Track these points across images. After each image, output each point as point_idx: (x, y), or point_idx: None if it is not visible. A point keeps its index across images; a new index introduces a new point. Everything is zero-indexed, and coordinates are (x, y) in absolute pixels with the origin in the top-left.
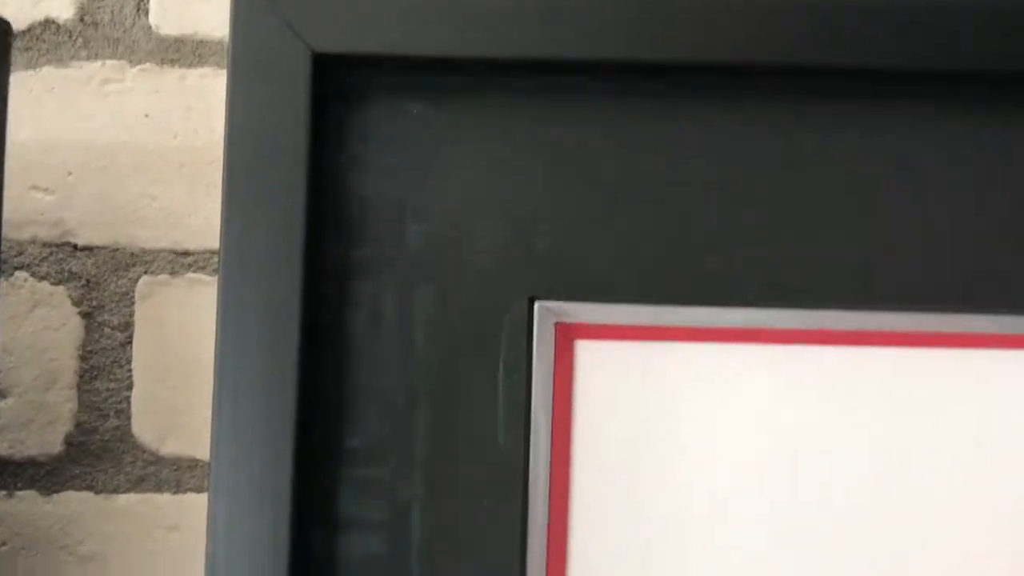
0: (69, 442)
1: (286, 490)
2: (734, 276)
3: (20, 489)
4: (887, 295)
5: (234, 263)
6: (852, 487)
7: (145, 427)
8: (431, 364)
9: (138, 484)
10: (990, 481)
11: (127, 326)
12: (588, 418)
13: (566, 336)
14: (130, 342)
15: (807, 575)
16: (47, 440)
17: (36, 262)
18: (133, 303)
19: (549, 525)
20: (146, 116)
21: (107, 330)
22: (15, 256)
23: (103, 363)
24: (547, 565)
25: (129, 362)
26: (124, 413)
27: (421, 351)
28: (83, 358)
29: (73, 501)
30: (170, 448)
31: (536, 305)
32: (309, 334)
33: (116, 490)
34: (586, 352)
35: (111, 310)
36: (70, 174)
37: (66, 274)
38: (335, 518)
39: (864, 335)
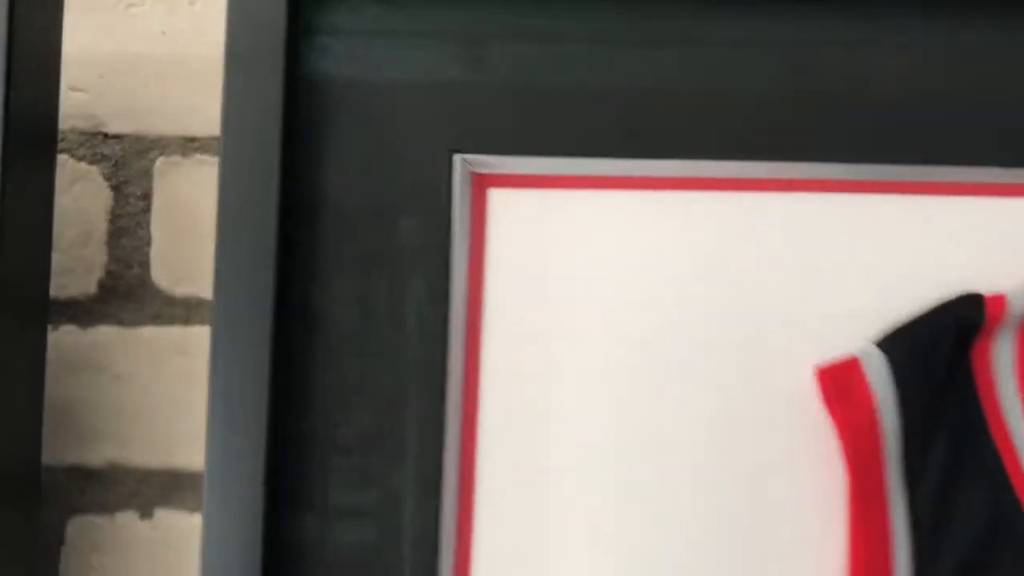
0: (101, 286)
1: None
2: (635, 130)
3: (64, 324)
4: (768, 147)
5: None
6: (741, 324)
7: (161, 275)
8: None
9: (155, 319)
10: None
11: (146, 196)
12: (499, 256)
13: (480, 185)
14: (149, 209)
15: (699, 395)
16: (84, 285)
17: (75, 147)
18: (152, 179)
19: (466, 342)
20: (163, 33)
21: (131, 200)
22: (59, 143)
23: (128, 225)
24: (464, 381)
25: (148, 224)
26: (144, 264)
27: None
28: (112, 221)
29: (104, 333)
30: (181, 291)
31: (456, 158)
32: None
33: (138, 324)
34: (498, 199)
35: (134, 184)
36: (101, 77)
37: (98, 156)
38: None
39: (755, 183)
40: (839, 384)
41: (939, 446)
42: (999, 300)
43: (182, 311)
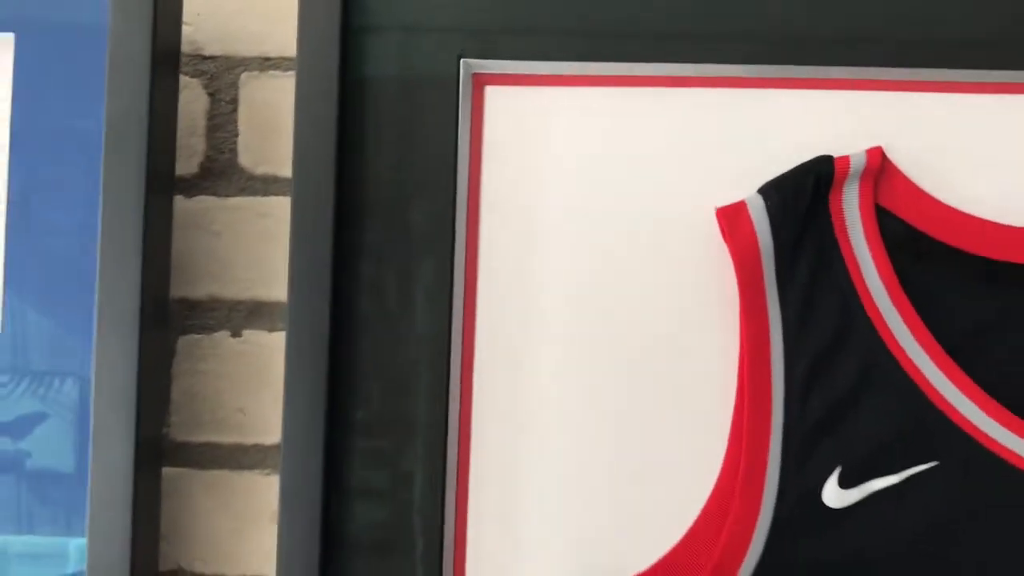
0: (201, 167)
1: None
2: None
3: (176, 195)
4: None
5: None
6: (690, 196)
7: (245, 158)
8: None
9: (241, 191)
10: None
11: (234, 101)
12: (495, 142)
13: (479, 83)
14: (236, 111)
15: (652, 250)
16: (189, 166)
17: (182, 66)
18: (237, 88)
19: (467, 221)
20: None
21: (222, 104)
22: None
23: (220, 122)
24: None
25: (236, 122)
26: (233, 151)
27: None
28: (209, 120)
29: (204, 201)
30: (260, 170)
31: (461, 62)
32: None
33: (229, 195)
34: (495, 95)
35: (224, 92)
36: (199, 15)
37: (199, 72)
38: None
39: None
40: (731, 220)
41: (802, 264)
42: (845, 160)
43: (261, 185)
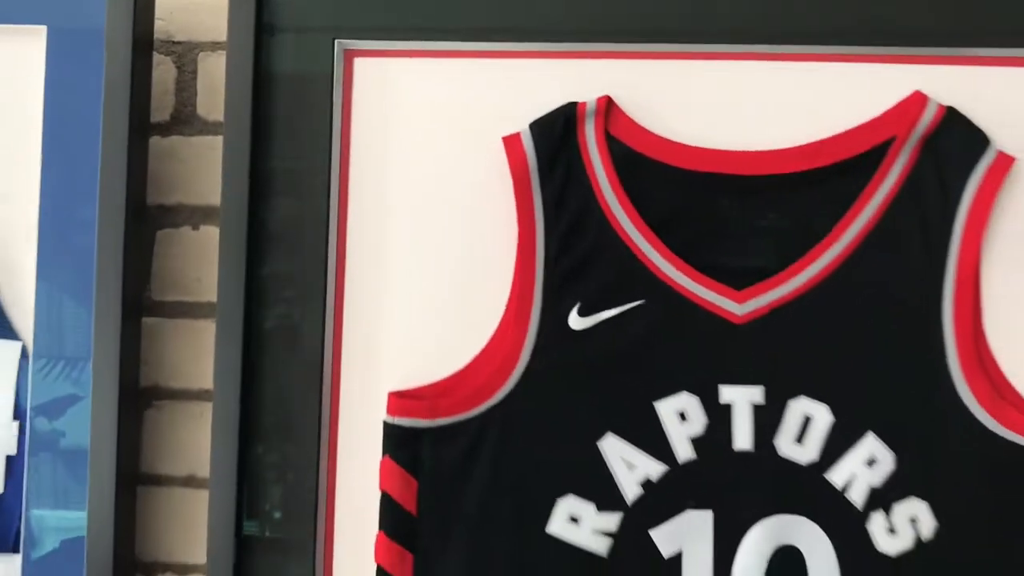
0: (171, 116)
1: None
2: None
3: (152, 136)
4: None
5: None
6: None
7: (202, 110)
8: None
9: (199, 133)
10: None
11: (195, 72)
12: (363, 104)
13: (350, 57)
14: (195, 78)
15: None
16: (163, 116)
17: (158, 47)
18: (197, 63)
19: (340, 161)
20: None
21: (187, 73)
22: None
23: (184, 86)
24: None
25: (196, 86)
26: (194, 105)
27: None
28: (177, 84)
29: (174, 140)
30: (212, 118)
31: (336, 42)
32: None
33: (191, 135)
34: (363, 67)
35: (188, 66)
36: (171, 12)
37: (170, 51)
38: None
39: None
40: (510, 144)
41: (557, 171)
42: (584, 104)
43: (212, 128)
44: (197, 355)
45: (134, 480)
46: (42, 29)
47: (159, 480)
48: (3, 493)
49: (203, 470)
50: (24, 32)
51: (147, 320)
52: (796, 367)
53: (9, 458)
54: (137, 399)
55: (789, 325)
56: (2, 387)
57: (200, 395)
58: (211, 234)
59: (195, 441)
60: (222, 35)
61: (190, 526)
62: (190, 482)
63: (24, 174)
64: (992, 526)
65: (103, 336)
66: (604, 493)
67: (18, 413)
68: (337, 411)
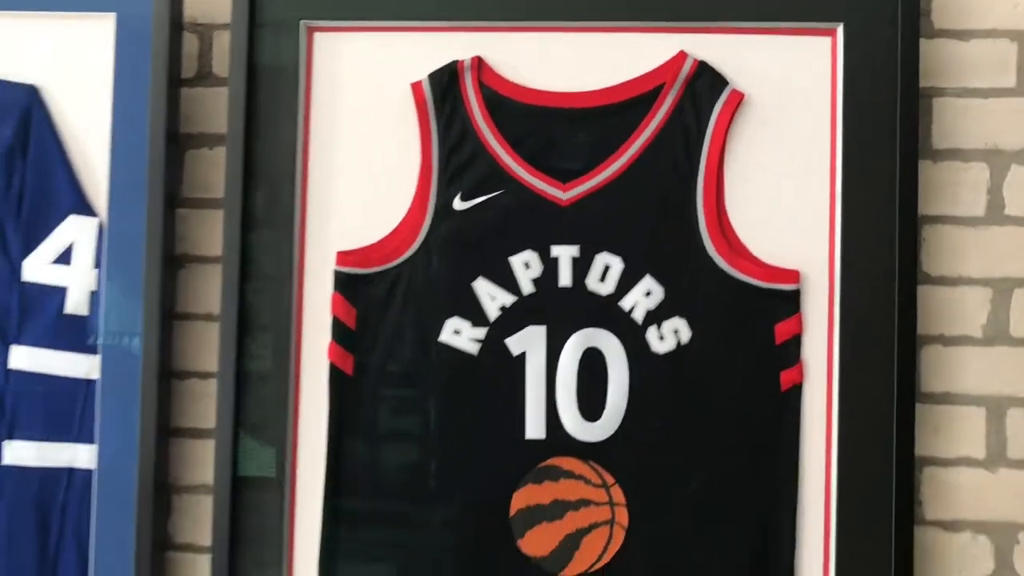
0: (196, 74)
1: None
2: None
3: (182, 87)
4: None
5: None
6: None
7: (216, 70)
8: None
9: (215, 85)
10: None
11: (211, 45)
12: (320, 63)
13: (310, 32)
14: (211, 49)
15: None
16: (189, 74)
17: (188, 28)
18: (212, 39)
19: (304, 111)
20: None
21: (206, 45)
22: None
23: (204, 53)
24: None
25: (211, 55)
26: (211, 67)
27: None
28: (199, 53)
29: (198, 90)
30: (222, 75)
31: (300, 23)
32: None
33: (208, 86)
34: (320, 39)
35: (206, 41)
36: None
37: (195, 30)
38: None
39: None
40: (416, 89)
41: (446, 107)
42: (463, 61)
43: (223, 83)
44: (212, 233)
45: (173, 262)
46: (112, 15)
47: (187, 316)
48: (88, 315)
49: (218, 308)
50: (97, 17)
51: (180, 210)
52: (600, 233)
53: (92, 292)
54: (174, 262)
55: (596, 206)
56: (86, 251)
57: (215, 259)
58: (220, 153)
59: (212, 288)
60: (228, 18)
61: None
62: (210, 317)
63: (100, 111)
64: (726, 333)
65: (154, 219)
66: (476, 314)
67: (97, 265)
68: (303, 264)
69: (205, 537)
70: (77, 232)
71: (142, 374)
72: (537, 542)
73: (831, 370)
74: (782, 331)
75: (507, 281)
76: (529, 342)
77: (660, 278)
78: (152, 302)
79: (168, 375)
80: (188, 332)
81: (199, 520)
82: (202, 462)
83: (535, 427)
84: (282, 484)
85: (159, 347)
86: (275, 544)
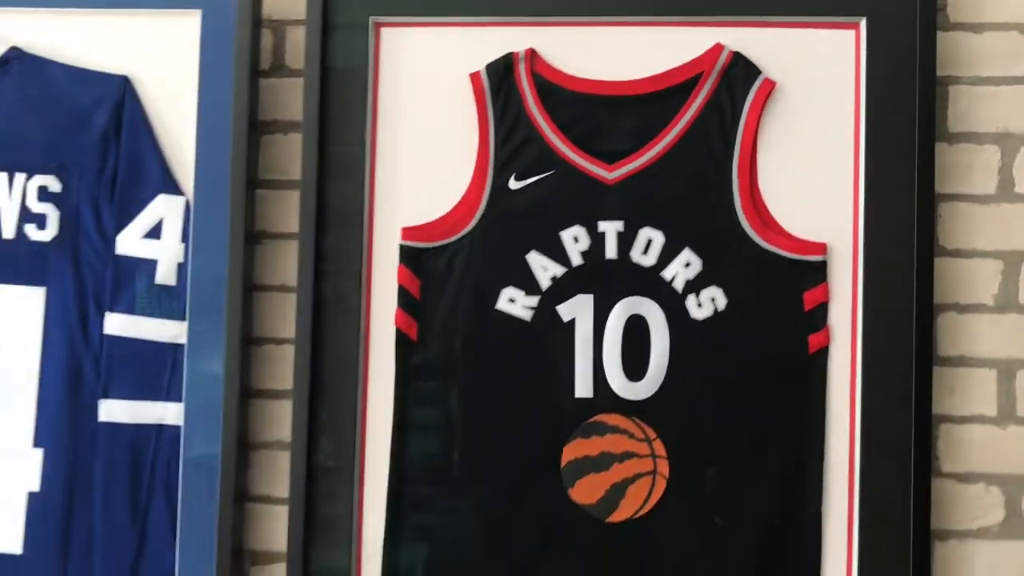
0: (271, 65)
1: None
2: None
3: (260, 77)
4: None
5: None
6: None
7: (290, 61)
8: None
9: (289, 75)
10: None
11: (284, 39)
12: (387, 56)
13: (377, 28)
14: (284, 42)
15: None
16: (265, 65)
17: (264, 24)
18: (285, 34)
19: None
20: None
21: (279, 39)
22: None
23: (278, 47)
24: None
25: (284, 48)
26: (284, 59)
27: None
28: (273, 46)
29: (274, 81)
30: (296, 66)
31: (370, 19)
32: None
33: (281, 77)
34: (387, 34)
35: (279, 35)
36: (272, 3)
37: (270, 26)
38: None
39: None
40: (474, 79)
41: (501, 96)
42: (517, 52)
43: (297, 74)
44: (288, 211)
45: (252, 238)
46: (197, 12)
47: (265, 288)
48: (175, 285)
49: (293, 280)
50: (183, 14)
51: (258, 191)
52: (643, 209)
53: (179, 264)
54: (253, 236)
55: (640, 184)
56: (174, 227)
57: (290, 236)
58: (293, 139)
59: (287, 262)
60: (302, 15)
61: None
62: (284, 288)
63: (186, 99)
64: (759, 301)
65: (236, 198)
66: (529, 284)
67: (184, 239)
68: (372, 238)
69: (281, 489)
70: (166, 210)
71: (226, 339)
72: (586, 491)
73: (855, 334)
74: (810, 299)
75: (558, 254)
76: (578, 309)
77: (698, 250)
78: (234, 274)
79: (248, 341)
80: (265, 302)
81: (275, 473)
82: (279, 420)
83: (583, 387)
84: (354, 436)
85: (240, 315)
86: (347, 490)
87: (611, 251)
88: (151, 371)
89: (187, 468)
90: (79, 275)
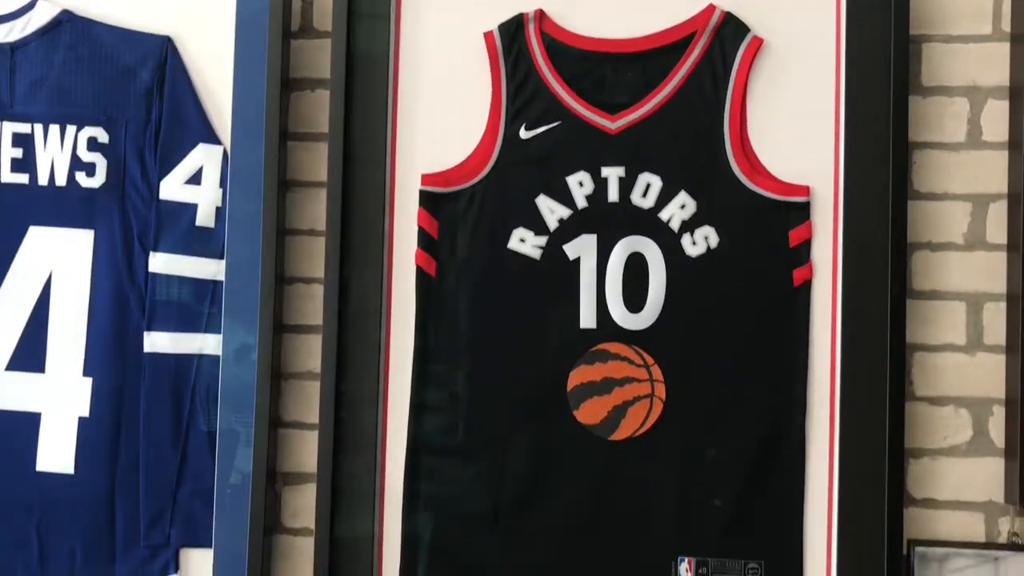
0: (300, 28)
1: None
2: None
3: (291, 39)
4: None
5: None
6: None
7: (317, 24)
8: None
9: (316, 37)
10: None
11: (312, 6)
12: (408, 17)
13: None
14: (312, 8)
15: None
16: (295, 27)
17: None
18: (313, 2)
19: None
20: None
21: (307, 7)
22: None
23: (306, 12)
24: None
25: (312, 13)
26: (311, 21)
27: None
28: (302, 12)
29: (302, 41)
30: (323, 29)
31: None
32: None
33: (309, 38)
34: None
35: (308, 2)
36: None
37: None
38: None
39: None
40: (488, 38)
41: (512, 52)
42: (527, 13)
43: (325, 35)
44: (315, 161)
45: (284, 186)
46: None
47: (295, 232)
48: (214, 227)
49: (322, 225)
50: None
51: (289, 143)
52: (643, 156)
53: (217, 208)
54: (285, 186)
55: (640, 133)
56: (213, 174)
57: (318, 184)
58: (320, 95)
59: (316, 208)
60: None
61: None
62: (313, 232)
63: (224, 57)
64: (748, 238)
65: (270, 149)
66: (538, 225)
67: (222, 185)
68: (394, 185)
69: (311, 415)
70: (205, 158)
71: (262, 276)
72: (590, 412)
73: (836, 270)
74: (795, 236)
75: (564, 197)
76: (583, 248)
77: (693, 193)
78: (268, 217)
79: (281, 279)
80: (296, 245)
81: (306, 400)
82: (309, 352)
83: (588, 318)
84: (378, 364)
85: (274, 255)
86: (371, 416)
87: (613, 194)
88: (191, 306)
89: (225, 393)
90: (125, 218)
